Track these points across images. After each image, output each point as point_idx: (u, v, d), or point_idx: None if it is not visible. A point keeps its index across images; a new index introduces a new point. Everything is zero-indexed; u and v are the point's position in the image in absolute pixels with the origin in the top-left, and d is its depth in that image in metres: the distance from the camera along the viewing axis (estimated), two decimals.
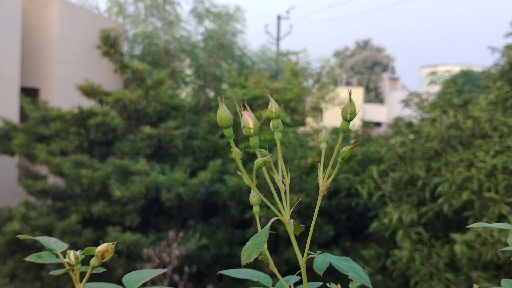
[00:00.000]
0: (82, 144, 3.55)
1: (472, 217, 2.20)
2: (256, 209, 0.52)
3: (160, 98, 3.87)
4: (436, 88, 4.16)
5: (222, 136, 4.08)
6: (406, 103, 3.58)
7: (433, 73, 4.36)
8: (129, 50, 7.49)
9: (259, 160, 0.50)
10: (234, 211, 3.37)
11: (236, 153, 0.48)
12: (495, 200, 2.08)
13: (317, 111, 8.52)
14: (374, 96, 22.97)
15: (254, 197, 0.52)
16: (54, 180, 3.69)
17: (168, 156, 3.86)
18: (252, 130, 0.50)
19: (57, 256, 0.44)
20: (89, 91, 3.84)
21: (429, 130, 2.73)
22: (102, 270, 0.49)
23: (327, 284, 0.60)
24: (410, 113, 3.68)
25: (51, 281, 3.14)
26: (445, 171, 2.32)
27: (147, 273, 0.46)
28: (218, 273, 0.53)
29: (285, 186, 0.52)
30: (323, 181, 0.51)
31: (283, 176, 0.52)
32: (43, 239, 0.45)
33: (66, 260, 0.42)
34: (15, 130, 3.74)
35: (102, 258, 0.42)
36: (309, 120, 7.94)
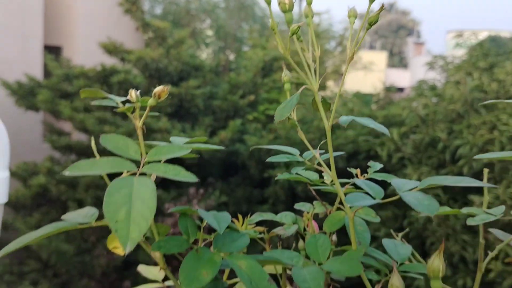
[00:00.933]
0: None
1: (492, 179, 2.20)
2: (287, 86, 0.52)
3: (181, 57, 3.88)
4: (461, 52, 4.07)
5: (243, 96, 4.09)
6: (430, 65, 3.52)
7: (459, 36, 4.24)
8: (150, 9, 7.45)
9: (294, 26, 0.51)
10: (253, 171, 3.42)
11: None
12: None
13: (339, 74, 8.41)
14: (398, 60, 22.51)
15: (286, 75, 0.52)
16: (78, 137, 3.77)
17: (189, 116, 3.90)
18: (287, 6, 0.49)
19: (116, 104, 0.48)
20: (111, 49, 3.87)
21: (452, 92, 2.70)
22: (157, 114, 0.54)
23: (347, 169, 0.62)
24: (434, 76, 3.62)
25: (76, 233, 3.26)
26: (466, 133, 2.30)
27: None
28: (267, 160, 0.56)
29: (314, 62, 0.53)
30: (351, 48, 0.52)
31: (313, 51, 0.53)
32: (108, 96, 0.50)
33: (128, 97, 0.45)
34: (39, 87, 3.80)
35: (158, 97, 0.44)
36: (330, 83, 7.86)
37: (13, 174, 3.68)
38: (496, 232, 0.69)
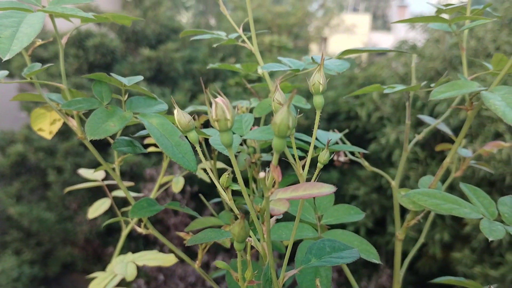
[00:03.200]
0: (81, 67, 3.51)
1: (468, 135, 2.22)
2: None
3: (159, 20, 3.78)
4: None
5: (223, 59, 4.03)
6: (411, 25, 3.49)
7: None
8: None
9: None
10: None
11: None
12: (492, 118, 2.09)
13: (322, 37, 8.32)
14: (381, 24, 22.32)
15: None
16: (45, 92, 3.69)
17: (169, 80, 3.84)
18: (229, 123, 0.38)
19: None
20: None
21: (431, 51, 2.68)
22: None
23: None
24: (415, 36, 3.60)
25: (57, 200, 3.24)
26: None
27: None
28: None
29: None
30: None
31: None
32: None
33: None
34: None
35: None
36: (313, 47, 7.78)
37: None
38: (423, 117, 0.74)
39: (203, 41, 4.62)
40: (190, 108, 0.62)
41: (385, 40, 14.87)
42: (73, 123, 0.47)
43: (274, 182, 0.34)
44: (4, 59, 0.33)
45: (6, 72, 0.48)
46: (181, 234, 0.54)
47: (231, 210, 0.59)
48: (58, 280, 3.32)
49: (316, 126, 0.44)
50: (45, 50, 3.63)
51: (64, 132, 3.42)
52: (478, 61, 0.80)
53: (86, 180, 0.73)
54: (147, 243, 3.14)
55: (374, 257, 0.51)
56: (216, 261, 0.45)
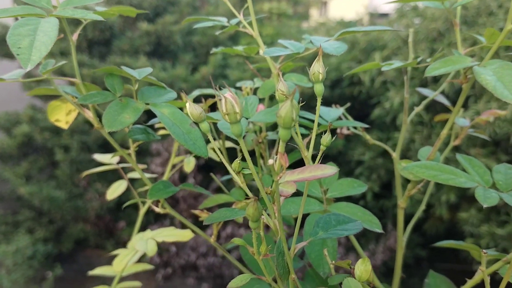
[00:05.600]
0: (80, 44, 3.49)
1: (472, 96, 2.21)
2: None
3: None
4: None
5: (222, 28, 3.99)
6: None
7: None
8: None
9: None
10: None
11: None
12: None
13: (322, 2, 8.19)
14: None
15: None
16: (57, 82, 3.69)
17: (168, 54, 3.81)
18: (238, 116, 0.40)
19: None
20: None
21: (433, 11, 2.64)
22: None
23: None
24: None
25: (66, 179, 3.28)
26: (447, 51, 2.27)
27: None
28: None
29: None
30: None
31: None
32: None
33: None
34: None
35: None
36: (313, 12, 7.65)
37: None
38: (422, 90, 0.77)
39: (201, 12, 4.56)
40: (196, 92, 0.63)
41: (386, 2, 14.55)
42: (89, 115, 0.50)
43: (282, 167, 0.38)
44: (27, 69, 0.35)
45: (23, 71, 0.51)
46: (196, 212, 0.57)
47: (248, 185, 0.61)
48: (72, 256, 3.39)
49: (318, 110, 0.46)
50: None
51: None
52: (472, 34, 0.80)
53: (100, 163, 0.74)
54: (157, 216, 3.19)
55: (376, 226, 0.54)
56: (234, 238, 0.47)
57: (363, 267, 0.46)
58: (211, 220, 0.49)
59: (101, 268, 0.59)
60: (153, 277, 2.78)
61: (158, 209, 0.56)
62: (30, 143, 3.40)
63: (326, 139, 0.46)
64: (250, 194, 0.44)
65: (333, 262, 0.51)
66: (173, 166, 0.61)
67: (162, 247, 2.82)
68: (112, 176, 3.34)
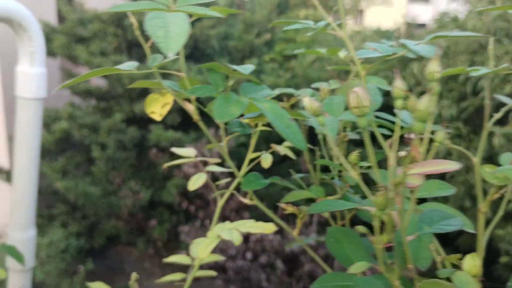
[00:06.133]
0: (120, 45, 3.58)
1: None
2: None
3: None
4: None
5: (258, 35, 4.02)
6: None
7: None
8: None
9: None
10: None
11: None
12: None
13: (358, 10, 8.15)
14: None
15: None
16: (96, 81, 3.79)
17: (205, 57, 3.87)
18: (366, 109, 0.43)
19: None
20: None
21: (474, 23, 2.60)
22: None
23: None
24: (457, 8, 3.49)
25: (101, 175, 3.36)
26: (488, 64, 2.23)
27: None
28: None
29: None
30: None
31: None
32: None
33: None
34: (54, 32, 3.79)
35: None
36: (349, 20, 7.62)
37: None
38: (502, 97, 0.75)
39: (238, 18, 4.61)
40: (276, 91, 0.66)
41: (424, 12, 14.40)
42: (189, 107, 0.53)
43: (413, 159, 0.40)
44: (168, 55, 0.36)
45: (136, 64, 0.54)
46: (282, 205, 0.60)
47: (321, 184, 0.64)
48: (103, 251, 3.47)
49: (426, 109, 0.48)
50: (85, 28, 3.71)
51: (106, 110, 3.52)
52: None
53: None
54: (188, 216, 3.24)
55: (468, 227, 0.56)
56: (357, 226, 0.51)
57: (471, 262, 0.46)
58: (316, 210, 0.52)
59: (176, 256, 0.62)
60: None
61: (246, 200, 0.59)
62: (68, 139, 3.50)
63: (440, 135, 0.47)
64: (363, 187, 0.46)
65: (441, 256, 0.53)
66: (251, 160, 0.63)
67: None
68: (145, 174, 3.41)
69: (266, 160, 0.65)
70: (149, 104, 0.58)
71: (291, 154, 0.63)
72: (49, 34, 3.81)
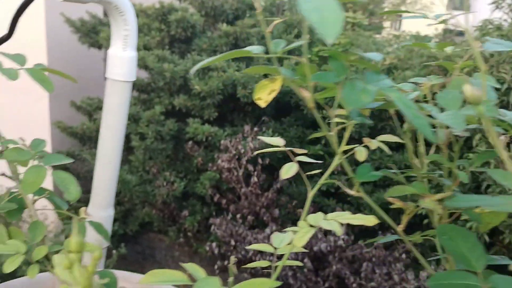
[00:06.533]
0: (163, 40, 3.69)
1: None
2: None
3: None
4: None
5: (297, 36, 4.06)
6: (496, 4, 3.34)
7: None
8: None
9: None
10: (306, 111, 3.45)
11: None
12: None
13: (396, 14, 8.09)
14: (459, 2, 21.11)
15: None
16: (138, 73, 3.91)
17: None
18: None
19: None
20: None
21: None
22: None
23: None
24: (501, 16, 3.44)
25: (138, 165, 3.47)
26: None
27: None
28: None
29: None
30: None
31: None
32: None
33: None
34: (101, 24, 3.93)
35: None
36: (387, 24, 7.57)
37: (79, 108, 3.92)
38: None
39: (278, 17, 4.64)
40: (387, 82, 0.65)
41: (464, 20, 14.04)
42: (305, 94, 0.54)
43: None
44: (327, 42, 0.36)
45: (262, 48, 0.56)
46: (390, 199, 0.60)
47: (426, 181, 0.63)
48: (136, 237, 3.58)
49: None
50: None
51: (146, 102, 3.64)
52: None
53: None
54: (218, 209, 3.31)
55: None
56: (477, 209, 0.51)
57: None
58: (459, 205, 0.52)
59: (259, 244, 0.64)
60: (211, 268, 2.89)
61: (352, 192, 0.61)
62: None
63: None
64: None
65: None
66: (345, 152, 0.63)
67: (222, 240, 2.93)
68: (180, 166, 3.50)
69: (361, 153, 0.64)
70: (258, 90, 0.58)
71: (386, 149, 0.62)
72: (95, 26, 3.95)
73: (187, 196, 3.42)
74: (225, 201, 3.21)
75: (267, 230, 2.87)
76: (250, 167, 3.11)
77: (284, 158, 3.77)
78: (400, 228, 0.60)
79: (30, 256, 0.61)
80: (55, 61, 4.09)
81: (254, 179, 3.11)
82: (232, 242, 2.84)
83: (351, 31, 5.24)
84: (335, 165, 0.62)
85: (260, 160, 3.19)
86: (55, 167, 0.62)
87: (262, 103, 0.58)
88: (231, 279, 0.52)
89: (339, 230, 0.51)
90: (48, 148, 3.60)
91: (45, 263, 0.63)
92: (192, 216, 3.29)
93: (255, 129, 3.27)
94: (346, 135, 0.61)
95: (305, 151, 0.63)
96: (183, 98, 3.38)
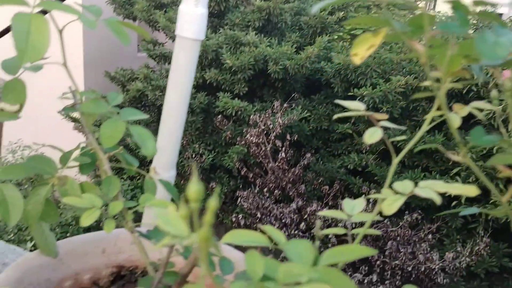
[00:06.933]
0: None
1: None
2: None
3: None
4: None
5: (331, 13, 4.02)
6: None
7: None
8: None
9: None
10: (337, 89, 3.44)
11: None
12: None
13: None
14: None
15: None
16: (171, 46, 3.96)
17: (276, 31, 3.93)
18: None
19: None
20: None
21: None
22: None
23: None
24: None
25: None
26: None
27: None
28: None
29: None
30: None
31: None
32: None
33: None
34: None
35: None
36: (421, 4, 7.35)
37: (113, 78, 4.00)
38: None
39: None
40: None
41: (503, 1, 13.53)
42: (418, 47, 0.51)
43: None
44: None
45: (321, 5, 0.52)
46: (500, 167, 0.55)
47: None
48: None
49: None
50: None
51: None
52: None
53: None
54: (245, 182, 3.37)
55: None
56: None
57: None
58: None
59: (331, 211, 0.61)
60: None
61: (457, 158, 0.56)
62: (141, 99, 3.71)
63: None
64: None
65: None
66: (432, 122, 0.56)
67: (248, 212, 2.99)
68: (209, 139, 3.56)
69: (455, 119, 0.58)
70: (357, 44, 0.54)
71: (480, 116, 0.58)
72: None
73: (215, 169, 3.48)
74: (252, 175, 3.26)
75: (293, 205, 2.91)
76: (278, 143, 3.14)
77: (312, 135, 3.78)
78: (505, 199, 0.55)
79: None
80: (89, 32, 4.17)
81: (282, 154, 3.14)
82: (258, 215, 2.89)
83: (385, 9, 5.14)
84: (424, 131, 0.56)
85: (288, 136, 3.22)
86: (132, 122, 0.61)
87: (358, 60, 0.54)
88: (317, 243, 0.51)
89: (437, 199, 0.48)
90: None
91: (120, 219, 0.61)
92: (219, 188, 3.35)
93: (285, 105, 3.29)
94: (440, 100, 0.54)
95: (386, 116, 0.58)
96: (214, 72, 3.42)
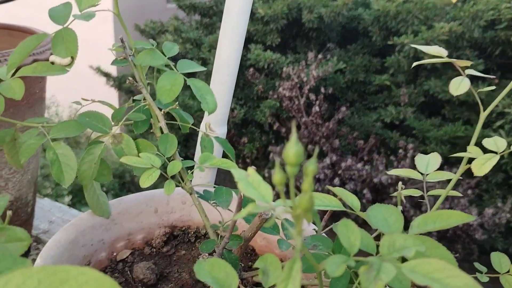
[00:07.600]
0: None
1: None
2: None
3: None
4: None
5: None
6: None
7: None
8: None
9: None
10: (375, 38, 3.25)
11: None
12: None
13: None
14: None
15: None
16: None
17: None
18: None
19: None
20: None
21: None
22: None
23: None
24: None
25: None
26: None
27: None
28: None
29: None
30: None
31: None
32: None
33: None
34: None
35: None
36: None
37: (142, 31, 3.93)
38: None
39: None
40: None
41: None
42: None
43: None
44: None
45: None
46: None
47: None
48: None
49: None
50: None
51: (208, 26, 3.57)
52: None
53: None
54: (277, 137, 3.30)
55: None
56: None
57: None
58: None
59: (403, 169, 0.54)
60: None
61: None
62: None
63: None
64: None
65: None
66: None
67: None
68: (240, 93, 3.48)
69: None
70: None
71: None
72: None
73: (247, 123, 3.42)
74: (284, 130, 3.18)
75: (327, 160, 2.83)
76: (312, 96, 3.02)
77: (348, 87, 3.62)
78: None
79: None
80: None
81: (316, 108, 3.03)
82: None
83: None
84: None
85: (322, 89, 3.10)
86: (189, 75, 0.56)
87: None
88: (399, 207, 0.47)
89: None
90: (112, 70, 3.68)
91: (177, 179, 0.57)
92: (251, 143, 3.30)
93: (319, 56, 3.15)
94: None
95: (470, 62, 0.51)
96: None
